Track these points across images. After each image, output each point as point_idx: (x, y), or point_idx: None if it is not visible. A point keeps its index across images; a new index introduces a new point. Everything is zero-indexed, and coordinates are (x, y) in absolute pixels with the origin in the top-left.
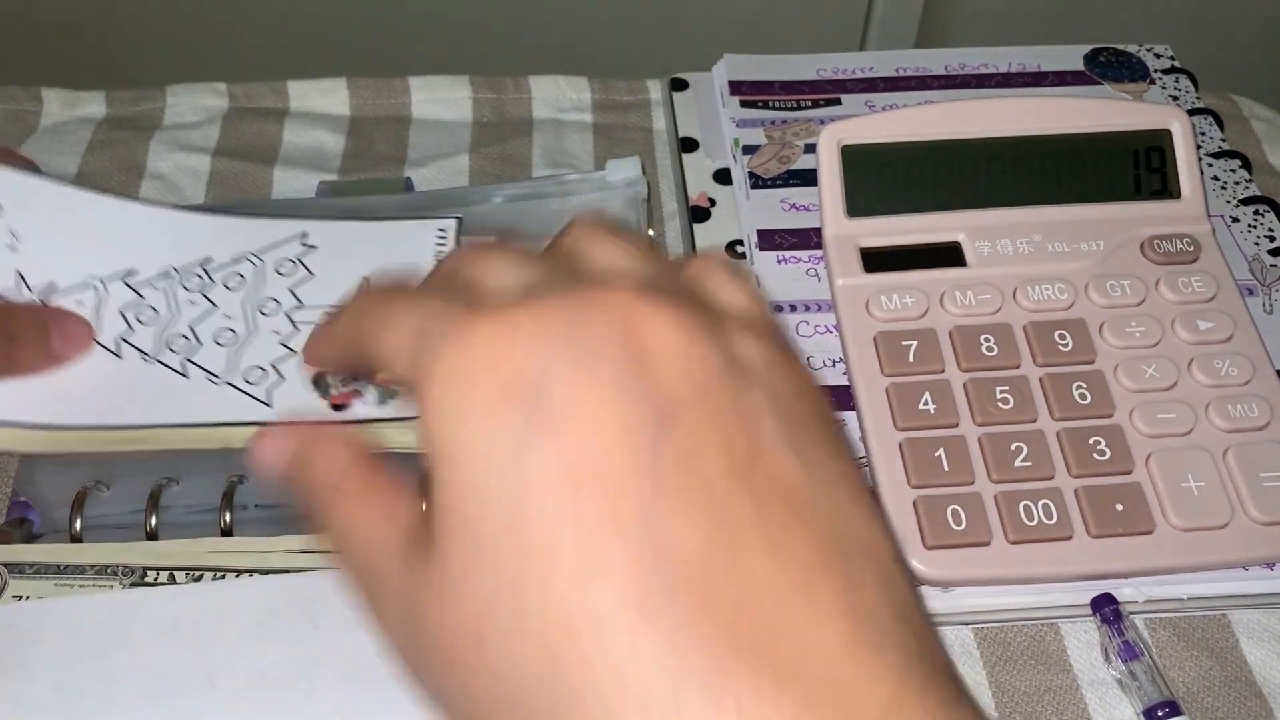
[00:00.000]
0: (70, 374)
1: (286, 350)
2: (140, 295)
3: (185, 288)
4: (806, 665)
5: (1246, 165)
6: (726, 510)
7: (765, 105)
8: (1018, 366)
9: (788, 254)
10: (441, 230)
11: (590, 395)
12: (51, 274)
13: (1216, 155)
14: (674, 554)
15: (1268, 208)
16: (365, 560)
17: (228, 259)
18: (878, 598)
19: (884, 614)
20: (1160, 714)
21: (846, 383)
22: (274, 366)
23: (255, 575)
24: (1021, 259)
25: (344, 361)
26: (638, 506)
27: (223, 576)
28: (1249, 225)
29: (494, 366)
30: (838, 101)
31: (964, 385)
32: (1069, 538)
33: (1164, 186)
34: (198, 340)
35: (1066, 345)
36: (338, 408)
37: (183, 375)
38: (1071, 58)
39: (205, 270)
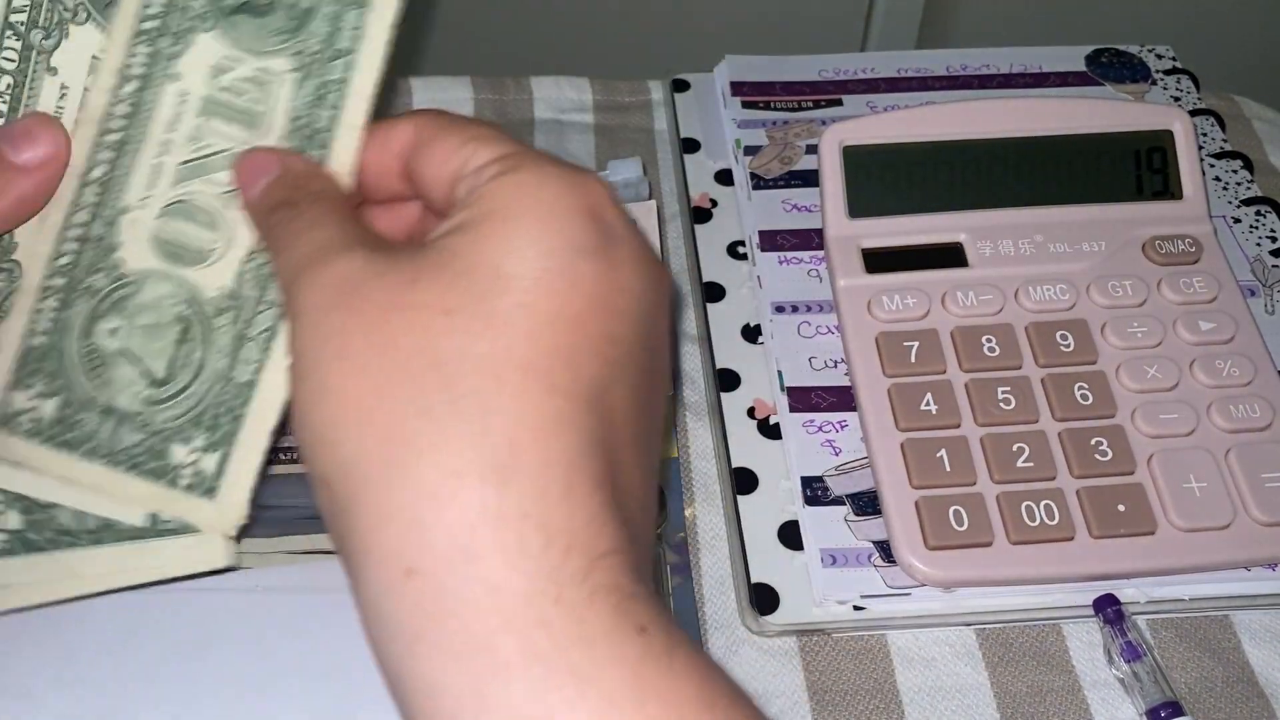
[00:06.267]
0: None
1: None
2: None
3: None
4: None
5: (1248, 166)
6: (646, 403)
7: (767, 106)
8: (1019, 367)
9: (789, 255)
10: None
11: (636, 258)
12: None
13: (1218, 156)
14: (608, 407)
15: (1269, 208)
16: (325, 243)
17: None
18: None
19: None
20: (1162, 714)
21: (848, 383)
22: None
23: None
24: (1023, 259)
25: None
26: (623, 359)
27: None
28: (1250, 226)
29: (589, 199)
30: (839, 102)
31: (965, 386)
32: (1071, 538)
33: (1165, 187)
34: None
35: (1068, 346)
36: None
37: None
38: (1073, 58)
39: None
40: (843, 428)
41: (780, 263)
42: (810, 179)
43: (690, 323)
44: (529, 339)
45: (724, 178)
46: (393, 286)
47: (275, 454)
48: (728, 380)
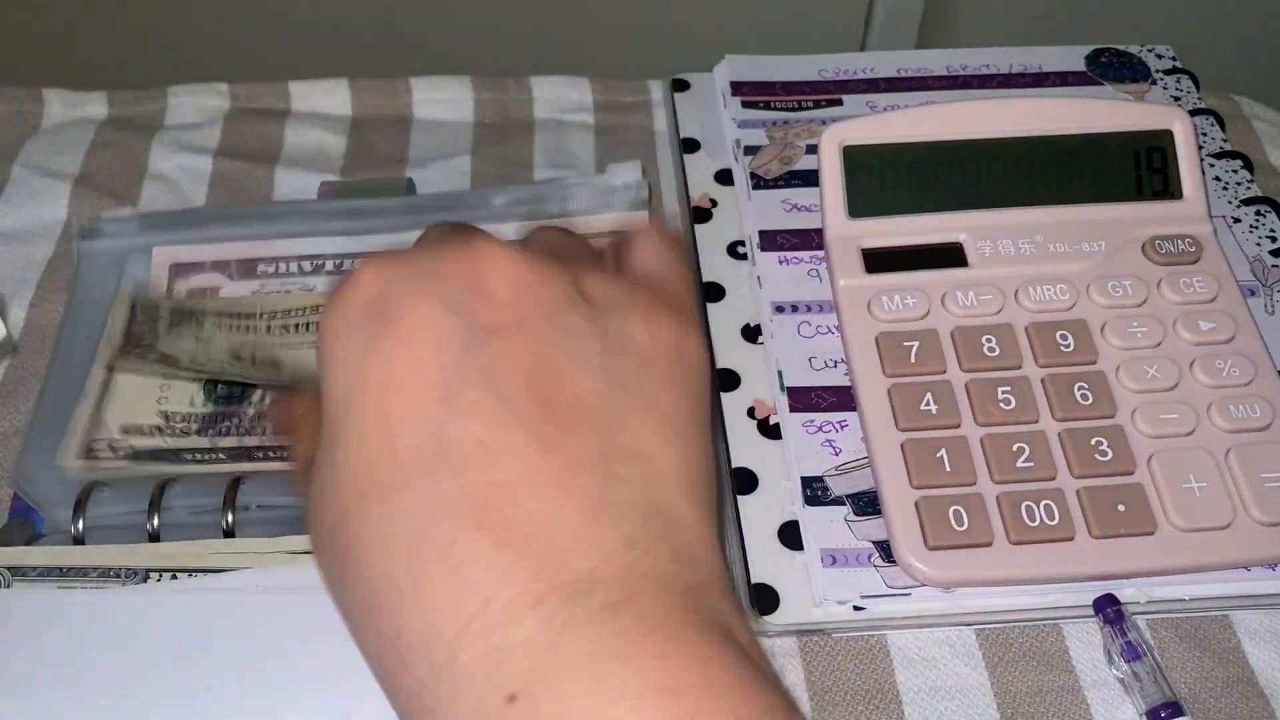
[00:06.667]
0: None
1: None
2: None
3: None
4: (533, 535)
5: (1248, 166)
6: (511, 414)
7: (767, 106)
8: (1019, 367)
9: (789, 254)
10: None
11: (423, 312)
12: None
13: (1218, 156)
14: (451, 443)
15: (1269, 208)
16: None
17: None
18: (631, 492)
19: (634, 503)
20: (1163, 715)
21: (848, 383)
22: None
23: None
24: (1023, 259)
25: None
26: (433, 402)
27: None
28: (1250, 226)
29: (359, 293)
30: (839, 102)
31: (965, 386)
32: (1071, 538)
33: (1165, 187)
34: None
35: (1068, 346)
36: None
37: None
38: (1073, 58)
39: None
40: (843, 428)
41: (780, 262)
42: (810, 179)
43: None
44: None
45: (724, 178)
46: None
47: (277, 454)
48: (728, 380)
